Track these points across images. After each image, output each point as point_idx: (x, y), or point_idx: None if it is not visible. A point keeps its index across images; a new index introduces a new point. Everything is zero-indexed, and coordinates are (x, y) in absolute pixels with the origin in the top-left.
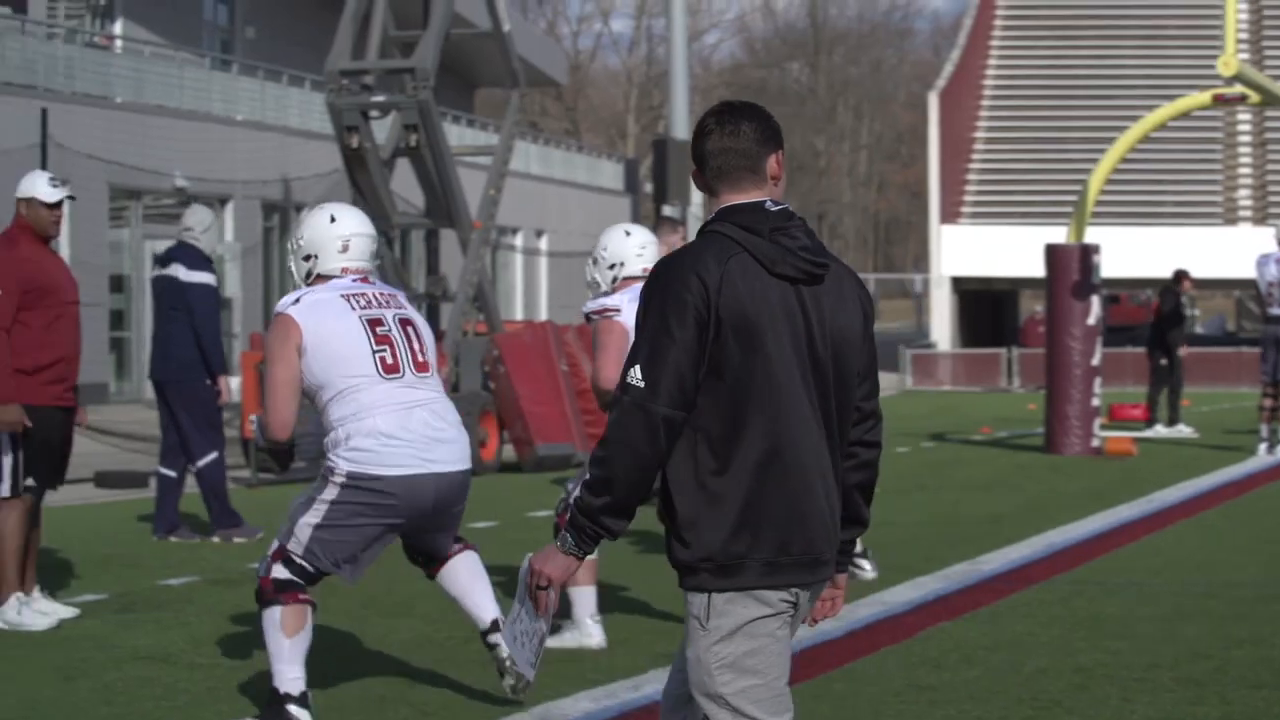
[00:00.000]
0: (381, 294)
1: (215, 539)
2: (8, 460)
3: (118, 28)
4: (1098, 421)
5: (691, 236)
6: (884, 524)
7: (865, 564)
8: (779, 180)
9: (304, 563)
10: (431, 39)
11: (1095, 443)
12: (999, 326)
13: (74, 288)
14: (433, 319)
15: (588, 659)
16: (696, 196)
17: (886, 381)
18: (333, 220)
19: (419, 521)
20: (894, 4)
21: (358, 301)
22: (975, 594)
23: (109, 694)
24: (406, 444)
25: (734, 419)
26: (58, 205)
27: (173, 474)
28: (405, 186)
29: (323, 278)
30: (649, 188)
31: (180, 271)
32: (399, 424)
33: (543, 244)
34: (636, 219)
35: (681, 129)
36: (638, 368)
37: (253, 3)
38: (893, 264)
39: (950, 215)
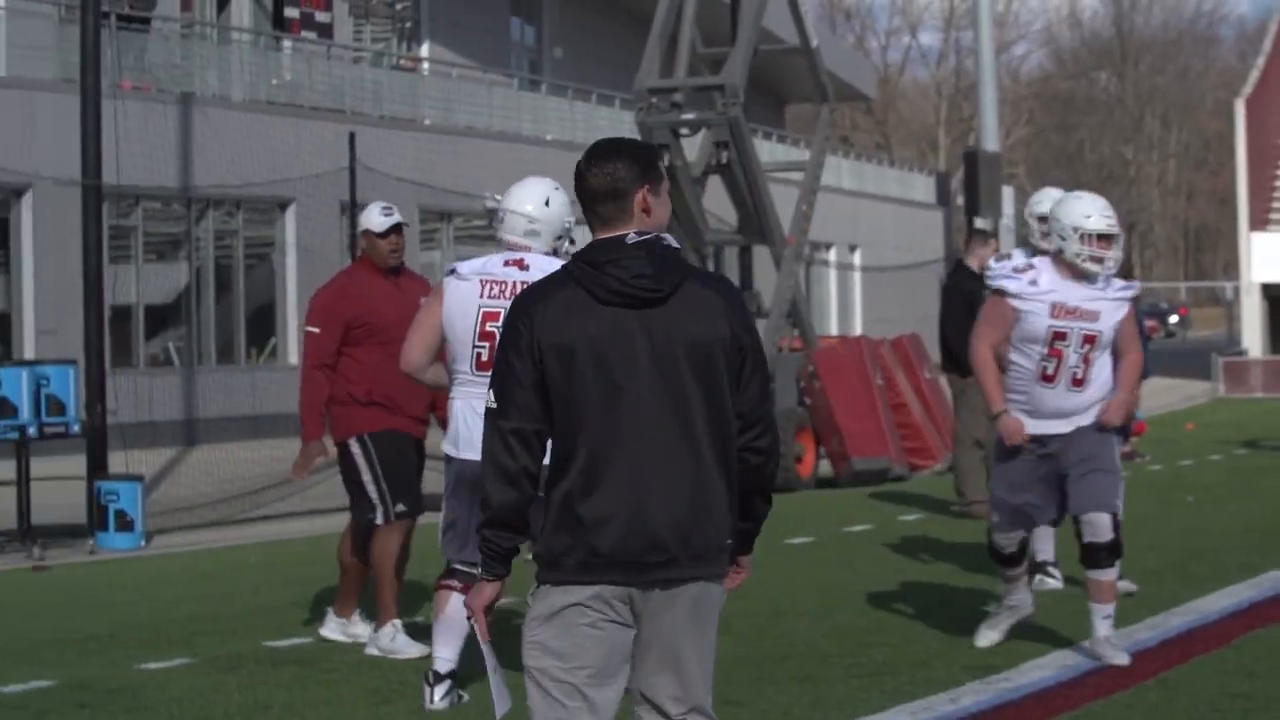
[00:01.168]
0: (524, 284)
1: None
2: (373, 488)
3: (424, 50)
4: None
5: (1004, 249)
6: (1198, 531)
7: (1054, 572)
8: (650, 211)
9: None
10: (740, 55)
11: None
12: None
13: None
14: None
15: (904, 672)
16: (1009, 208)
17: (1198, 389)
18: (509, 193)
19: None
20: (1199, 11)
21: (490, 289)
22: None
23: (423, 716)
24: (473, 431)
25: (564, 435)
26: (387, 234)
27: None
28: (718, 204)
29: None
30: (961, 200)
31: None
32: (473, 412)
33: (856, 259)
34: (949, 232)
35: (992, 141)
36: (491, 391)
37: (560, 23)
38: (1203, 272)
39: (1259, 222)
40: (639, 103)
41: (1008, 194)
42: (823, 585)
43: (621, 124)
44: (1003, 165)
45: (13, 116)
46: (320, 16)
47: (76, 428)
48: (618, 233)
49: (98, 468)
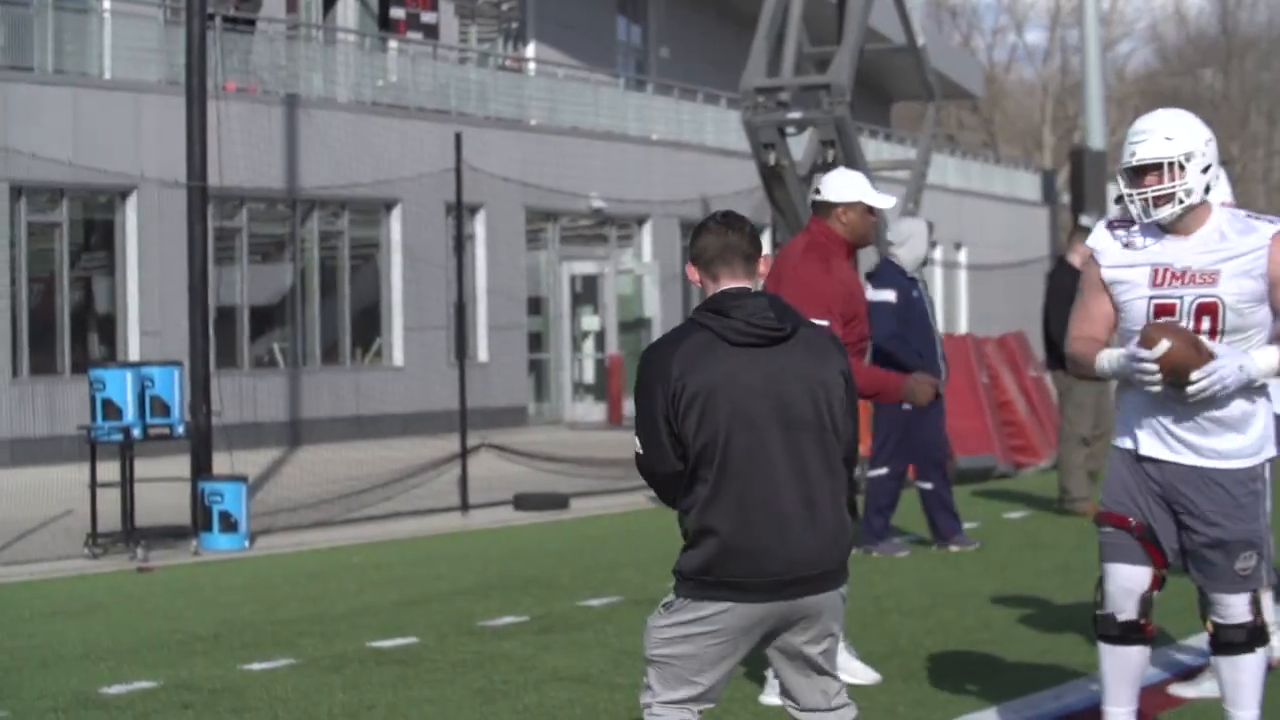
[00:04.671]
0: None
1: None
2: None
3: (530, 50)
4: None
5: None
6: None
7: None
8: (763, 276)
9: None
10: (846, 54)
11: None
12: None
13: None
14: None
15: (1008, 670)
16: (1113, 207)
17: None
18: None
19: None
20: None
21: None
22: None
23: (528, 716)
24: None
25: (702, 466)
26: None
27: (927, 485)
28: None
29: None
30: (1066, 198)
31: (867, 290)
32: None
33: (961, 257)
34: (1054, 230)
35: (1097, 139)
36: (638, 439)
37: (666, 23)
38: None
39: None
40: (745, 102)
41: (1113, 191)
42: (927, 583)
43: (728, 123)
44: (1108, 163)
45: (118, 119)
46: (426, 17)
47: (181, 429)
48: (740, 285)
49: (202, 469)
